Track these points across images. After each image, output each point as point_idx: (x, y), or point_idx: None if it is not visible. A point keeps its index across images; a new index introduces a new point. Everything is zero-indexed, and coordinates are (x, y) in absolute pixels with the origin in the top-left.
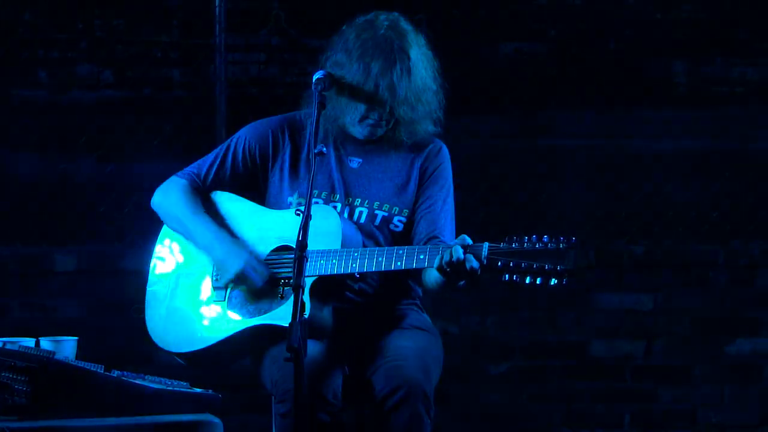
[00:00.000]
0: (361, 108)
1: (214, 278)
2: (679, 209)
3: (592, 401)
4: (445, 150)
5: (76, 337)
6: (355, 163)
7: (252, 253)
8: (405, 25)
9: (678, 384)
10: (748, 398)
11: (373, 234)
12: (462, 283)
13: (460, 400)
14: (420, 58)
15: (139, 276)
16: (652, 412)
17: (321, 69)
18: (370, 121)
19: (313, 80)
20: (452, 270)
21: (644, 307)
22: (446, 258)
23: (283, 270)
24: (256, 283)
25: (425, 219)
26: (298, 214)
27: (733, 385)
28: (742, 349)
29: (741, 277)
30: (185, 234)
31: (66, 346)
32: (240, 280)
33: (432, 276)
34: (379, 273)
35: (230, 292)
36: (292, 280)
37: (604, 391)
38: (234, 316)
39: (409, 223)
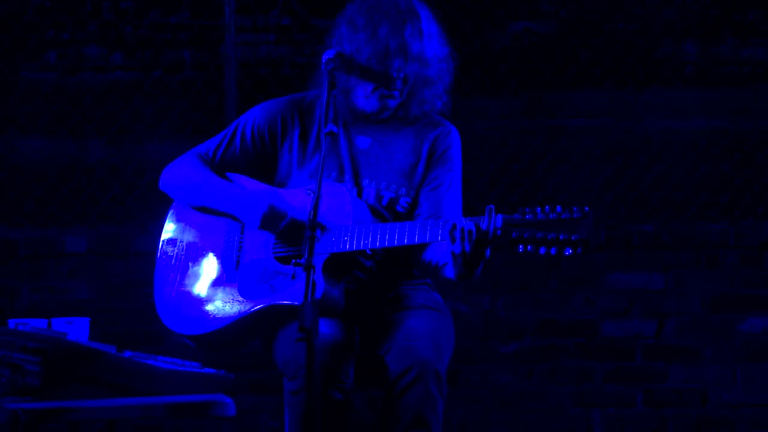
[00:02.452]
0: (373, 78)
1: (226, 255)
2: (689, 189)
3: (603, 381)
4: (456, 133)
5: (89, 318)
6: (364, 143)
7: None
8: None
9: (689, 363)
10: (758, 377)
11: (381, 214)
12: (474, 263)
13: (470, 380)
14: (429, 20)
15: (150, 257)
16: (664, 391)
17: (329, 49)
18: (384, 91)
19: (323, 60)
20: (464, 245)
21: (655, 287)
22: (458, 233)
23: (293, 247)
24: (286, 216)
25: (428, 200)
26: (309, 194)
27: (744, 363)
28: (754, 328)
29: (751, 257)
30: (201, 200)
31: (78, 327)
32: (270, 218)
33: (438, 257)
34: (390, 252)
35: (240, 272)
36: (303, 259)
37: (615, 371)
38: (245, 296)
39: (414, 204)
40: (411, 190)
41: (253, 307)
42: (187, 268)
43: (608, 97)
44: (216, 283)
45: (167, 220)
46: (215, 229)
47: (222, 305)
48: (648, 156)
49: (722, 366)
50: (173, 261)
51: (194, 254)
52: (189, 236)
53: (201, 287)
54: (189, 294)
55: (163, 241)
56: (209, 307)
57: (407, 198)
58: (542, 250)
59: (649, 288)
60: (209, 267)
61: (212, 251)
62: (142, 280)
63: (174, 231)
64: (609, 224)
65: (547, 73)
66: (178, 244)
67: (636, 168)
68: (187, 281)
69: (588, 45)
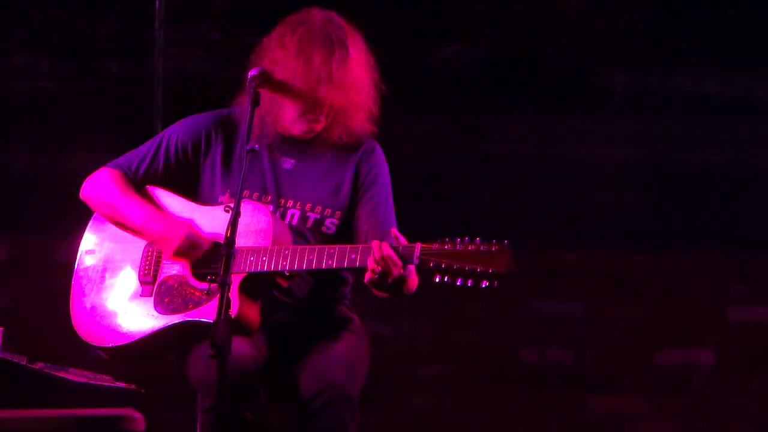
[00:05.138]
0: (301, 102)
1: (144, 270)
2: (612, 218)
3: (521, 409)
4: (379, 150)
5: (2, 327)
6: (288, 164)
7: (190, 223)
8: (339, 19)
9: (607, 392)
10: (674, 409)
11: (305, 236)
12: (397, 288)
13: (389, 403)
14: (357, 49)
15: (70, 268)
16: (580, 421)
17: (256, 67)
18: (310, 116)
19: (248, 77)
20: (382, 271)
21: (575, 315)
22: (377, 257)
23: (212, 265)
24: (202, 246)
25: (369, 223)
26: (227, 211)
27: (661, 394)
28: (672, 360)
29: (673, 288)
30: (118, 218)
31: None
32: (185, 248)
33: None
34: (309, 273)
35: (157, 287)
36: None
37: (533, 398)
38: (160, 311)
39: (342, 226)
40: (336, 211)
41: (167, 323)
42: (104, 280)
43: (535, 123)
44: (132, 297)
45: (87, 231)
46: (134, 242)
47: (136, 319)
48: (572, 184)
49: (640, 396)
50: (90, 272)
51: (112, 266)
52: (107, 248)
53: (117, 300)
54: (104, 306)
55: (81, 251)
56: (123, 321)
57: (333, 219)
58: (459, 282)
59: (569, 316)
60: (126, 280)
61: (130, 264)
62: (63, 291)
63: (93, 242)
64: (531, 251)
65: (476, 97)
66: (96, 255)
67: (559, 195)
68: (103, 293)
69: (517, 71)
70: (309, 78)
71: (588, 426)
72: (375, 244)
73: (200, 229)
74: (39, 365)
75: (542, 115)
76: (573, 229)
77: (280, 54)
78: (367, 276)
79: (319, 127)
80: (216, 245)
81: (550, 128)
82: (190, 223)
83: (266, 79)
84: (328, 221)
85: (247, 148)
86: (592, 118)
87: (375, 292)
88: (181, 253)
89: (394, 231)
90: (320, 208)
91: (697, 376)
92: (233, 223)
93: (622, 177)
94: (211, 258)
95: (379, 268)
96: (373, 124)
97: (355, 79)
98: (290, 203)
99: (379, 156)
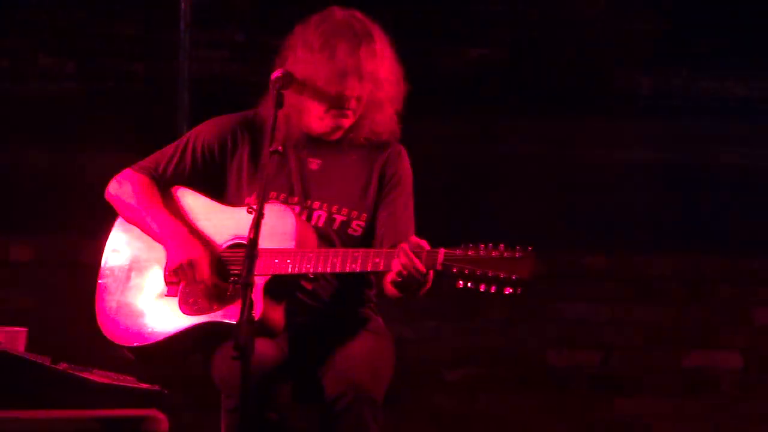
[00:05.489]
0: (327, 98)
1: (168, 272)
2: (639, 220)
3: (546, 412)
4: (405, 154)
5: (25, 328)
6: (315, 164)
7: (207, 249)
8: (362, 16)
9: (634, 395)
10: (701, 411)
11: (330, 238)
12: (418, 290)
13: (413, 406)
14: (383, 42)
15: (95, 268)
16: (607, 423)
17: (279, 68)
18: (336, 111)
19: (272, 79)
20: (408, 275)
21: (601, 318)
22: (401, 262)
23: (236, 266)
24: (198, 274)
25: (387, 226)
26: (250, 212)
27: (687, 397)
28: (699, 362)
29: (700, 290)
30: (141, 225)
31: (14, 337)
32: (184, 270)
33: (389, 281)
34: (334, 275)
35: (183, 287)
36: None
37: (559, 402)
38: (185, 311)
39: (368, 228)
40: (363, 213)
41: (192, 324)
42: (130, 279)
43: (558, 126)
44: (157, 297)
45: (113, 230)
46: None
47: (161, 319)
48: (594, 185)
49: (666, 398)
50: (116, 271)
51: (138, 266)
52: (134, 247)
53: (142, 300)
54: (129, 305)
55: (107, 250)
56: (149, 320)
57: (359, 221)
58: (482, 288)
59: (595, 319)
60: (152, 280)
61: (156, 264)
62: (88, 291)
63: (119, 241)
64: (554, 253)
65: (498, 100)
66: (122, 254)
67: (582, 197)
68: (128, 293)
69: (537, 73)
70: (334, 71)
71: (614, 429)
72: (402, 248)
73: (223, 230)
74: (62, 366)
75: (565, 118)
76: (599, 232)
77: (302, 52)
78: (390, 276)
79: (347, 122)
80: (237, 245)
81: (573, 130)
82: (204, 247)
83: (290, 80)
84: (354, 223)
85: (271, 149)
86: (617, 121)
87: (388, 291)
88: (182, 272)
89: (414, 239)
90: (347, 210)
91: (723, 379)
92: (256, 225)
93: (647, 179)
94: (233, 258)
95: (405, 272)
96: (397, 124)
97: (383, 72)
98: (317, 204)
99: (404, 160)
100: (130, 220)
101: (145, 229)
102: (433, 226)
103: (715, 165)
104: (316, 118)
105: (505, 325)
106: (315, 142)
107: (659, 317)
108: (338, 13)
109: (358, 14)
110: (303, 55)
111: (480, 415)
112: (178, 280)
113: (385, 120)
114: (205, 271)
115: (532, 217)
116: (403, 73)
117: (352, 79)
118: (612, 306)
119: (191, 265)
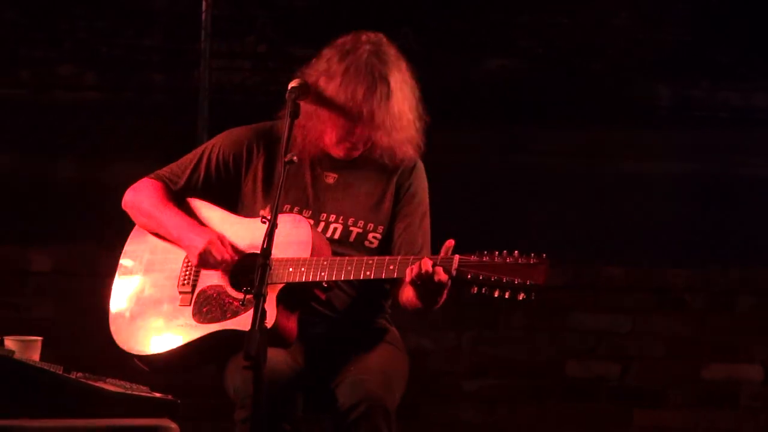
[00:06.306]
0: (340, 129)
1: (182, 280)
2: (658, 231)
3: (565, 424)
4: (421, 166)
5: (41, 337)
6: (331, 178)
7: (221, 236)
8: (388, 48)
9: (654, 407)
10: (721, 424)
11: (346, 250)
12: (433, 298)
13: (431, 416)
14: (400, 85)
15: (114, 278)
16: None
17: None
18: (348, 144)
19: (288, 88)
20: (422, 282)
21: (621, 329)
22: (416, 269)
23: (250, 275)
24: (218, 257)
25: (403, 239)
26: (264, 222)
27: (707, 409)
28: (719, 374)
29: (719, 302)
30: (156, 228)
31: (30, 346)
32: (205, 257)
33: (406, 292)
34: (348, 285)
35: (195, 297)
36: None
37: (578, 413)
38: (198, 320)
39: (384, 240)
40: (379, 225)
41: (205, 333)
42: (144, 289)
43: (580, 136)
44: (171, 306)
45: (128, 240)
46: (173, 252)
47: (175, 328)
48: (617, 196)
49: (686, 410)
50: (130, 281)
51: (152, 275)
52: (148, 257)
53: (155, 309)
54: (143, 315)
55: (122, 260)
56: (162, 329)
57: (375, 233)
58: (496, 294)
59: (615, 330)
60: (165, 289)
61: (169, 274)
62: (105, 301)
63: (133, 251)
64: (575, 264)
65: (520, 110)
66: (136, 264)
67: (604, 208)
68: (142, 302)
69: (562, 83)
70: (351, 112)
71: None
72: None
73: (238, 241)
74: (75, 375)
75: (588, 128)
76: (619, 242)
77: (324, 81)
78: (408, 278)
79: (357, 154)
80: (252, 255)
81: (595, 141)
82: (219, 233)
83: (305, 91)
84: (371, 235)
85: (285, 159)
86: (638, 131)
87: (406, 301)
88: (205, 259)
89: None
90: (363, 222)
91: (744, 391)
92: (269, 234)
93: (668, 190)
94: (247, 267)
95: (418, 280)
96: (416, 151)
97: (396, 116)
98: (332, 218)
99: (420, 173)
100: (144, 225)
101: (160, 230)
102: (453, 234)
103: (736, 176)
104: (329, 144)
105: (525, 335)
106: (331, 158)
107: (679, 329)
108: (364, 46)
109: (383, 47)
110: (323, 84)
111: (498, 427)
112: (191, 289)
113: (400, 154)
114: (224, 249)
115: (553, 227)
116: (422, 110)
117: (364, 125)
118: (632, 317)
119: (209, 250)
